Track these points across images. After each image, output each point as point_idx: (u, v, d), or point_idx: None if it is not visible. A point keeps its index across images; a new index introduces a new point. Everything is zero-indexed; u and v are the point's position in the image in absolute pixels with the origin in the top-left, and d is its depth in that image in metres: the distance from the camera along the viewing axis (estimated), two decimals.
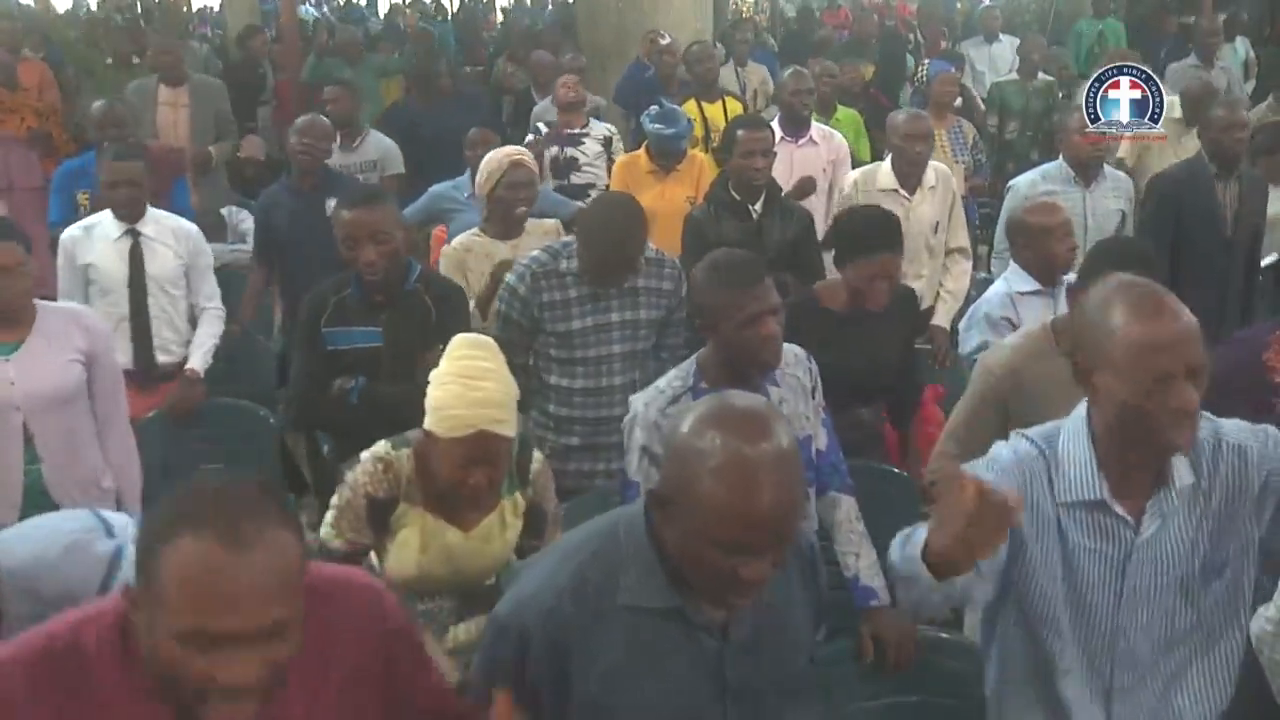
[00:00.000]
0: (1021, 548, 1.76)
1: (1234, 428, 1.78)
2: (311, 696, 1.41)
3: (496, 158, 3.77)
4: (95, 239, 3.76)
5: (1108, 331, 1.65)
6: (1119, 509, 1.74)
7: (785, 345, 2.53)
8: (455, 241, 3.76)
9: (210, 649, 1.20)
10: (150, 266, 3.77)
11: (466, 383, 2.14)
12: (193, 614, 1.19)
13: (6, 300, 2.80)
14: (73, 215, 4.35)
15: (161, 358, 3.81)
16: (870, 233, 3.11)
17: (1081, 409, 1.78)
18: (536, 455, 2.42)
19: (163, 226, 3.83)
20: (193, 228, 3.96)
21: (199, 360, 3.84)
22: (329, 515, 2.31)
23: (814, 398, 2.57)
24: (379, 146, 5.57)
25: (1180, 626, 1.79)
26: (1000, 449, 1.83)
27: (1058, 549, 1.76)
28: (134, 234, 3.76)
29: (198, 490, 1.28)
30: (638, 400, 2.48)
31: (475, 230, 3.78)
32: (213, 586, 1.19)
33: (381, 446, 2.27)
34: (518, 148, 3.99)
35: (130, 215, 3.74)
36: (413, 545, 2.27)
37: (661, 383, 2.49)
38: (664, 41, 6.26)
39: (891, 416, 3.38)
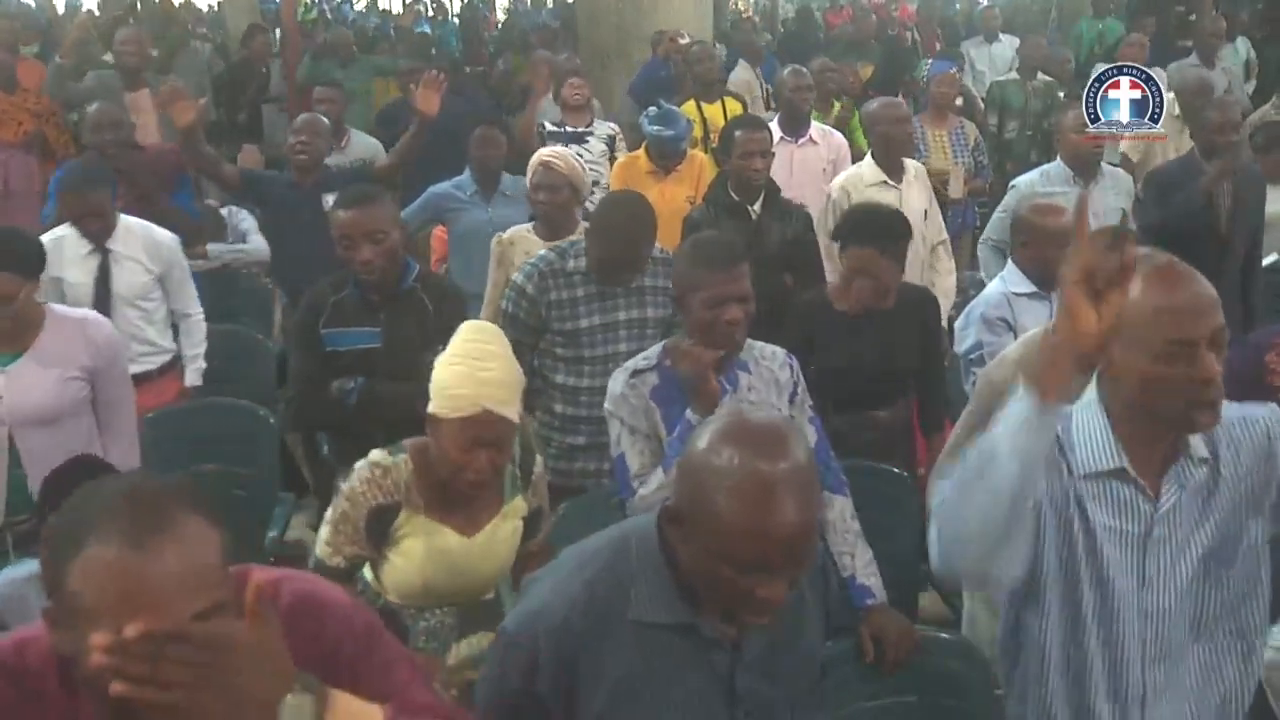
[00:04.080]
0: (1044, 526, 1.71)
1: (1249, 407, 1.75)
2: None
3: (532, 159, 3.81)
4: (65, 253, 3.65)
5: (1129, 300, 1.60)
6: (1138, 478, 1.70)
7: (767, 345, 2.58)
8: (508, 232, 3.79)
9: None
10: (118, 284, 3.70)
11: (473, 363, 2.15)
12: (112, 620, 1.15)
13: None
14: None
15: (132, 369, 3.66)
16: (858, 225, 3.12)
17: (1091, 389, 1.74)
18: (538, 460, 2.43)
19: (133, 240, 3.73)
20: (167, 237, 3.86)
21: (194, 375, 3.90)
22: (324, 532, 2.24)
23: (796, 395, 2.56)
24: (366, 145, 5.67)
25: (1209, 611, 1.74)
26: None
27: (1080, 529, 1.71)
28: (103, 251, 3.69)
29: (97, 497, 1.24)
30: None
31: (530, 226, 3.80)
32: (127, 591, 1.16)
33: (376, 454, 2.23)
34: (553, 149, 3.97)
35: (98, 239, 3.68)
36: (416, 555, 2.22)
37: (629, 362, 2.55)
38: (683, 41, 6.26)
39: (920, 421, 3.35)
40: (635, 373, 2.49)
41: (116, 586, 1.16)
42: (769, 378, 2.54)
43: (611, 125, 5.73)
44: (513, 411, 2.17)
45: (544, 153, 3.85)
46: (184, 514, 1.21)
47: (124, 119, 4.63)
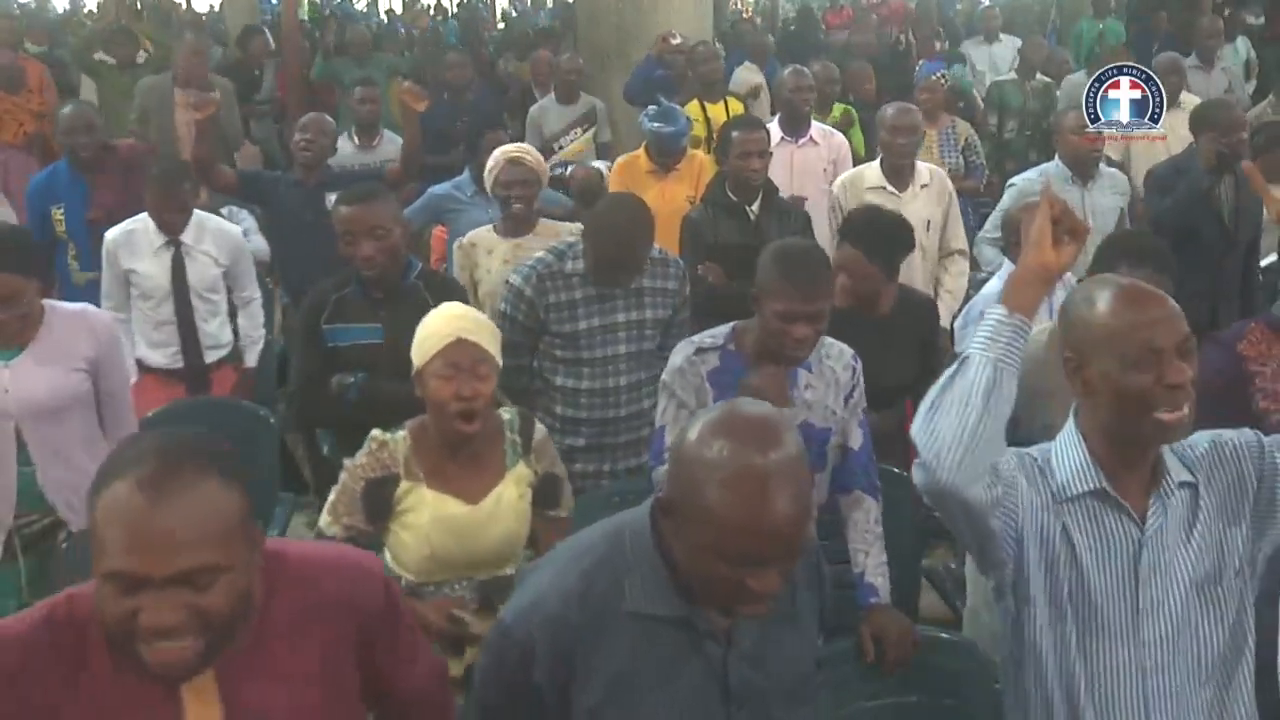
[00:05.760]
0: (1026, 559, 1.71)
1: (1228, 432, 1.80)
2: (290, 676, 1.43)
3: (497, 155, 3.84)
4: (138, 246, 3.78)
5: (1096, 320, 1.70)
6: (1120, 499, 1.71)
7: (835, 343, 2.57)
8: (466, 236, 3.85)
9: (132, 590, 1.26)
10: (191, 276, 3.81)
11: (444, 312, 2.37)
12: (113, 555, 1.25)
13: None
14: (50, 235, 4.34)
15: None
16: (853, 225, 3.13)
17: (1070, 421, 1.79)
18: (539, 427, 2.47)
19: (204, 233, 3.85)
20: (232, 228, 4.01)
21: (254, 357, 4.02)
22: (327, 503, 2.33)
23: (853, 397, 2.57)
24: (397, 146, 5.61)
25: (1215, 648, 1.73)
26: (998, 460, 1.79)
27: (1066, 559, 1.72)
28: (176, 243, 3.79)
29: (137, 442, 1.36)
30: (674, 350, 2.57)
31: (490, 226, 3.84)
32: (129, 529, 1.25)
33: (377, 431, 2.34)
34: (520, 145, 4.01)
35: (175, 231, 3.78)
36: (421, 525, 2.28)
37: (697, 337, 2.56)
38: (676, 41, 6.26)
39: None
40: (699, 350, 2.50)
41: (120, 524, 1.26)
42: (830, 377, 2.54)
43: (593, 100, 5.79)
44: (488, 345, 2.30)
45: (510, 148, 3.88)
46: (203, 474, 1.30)
47: (96, 121, 4.64)
